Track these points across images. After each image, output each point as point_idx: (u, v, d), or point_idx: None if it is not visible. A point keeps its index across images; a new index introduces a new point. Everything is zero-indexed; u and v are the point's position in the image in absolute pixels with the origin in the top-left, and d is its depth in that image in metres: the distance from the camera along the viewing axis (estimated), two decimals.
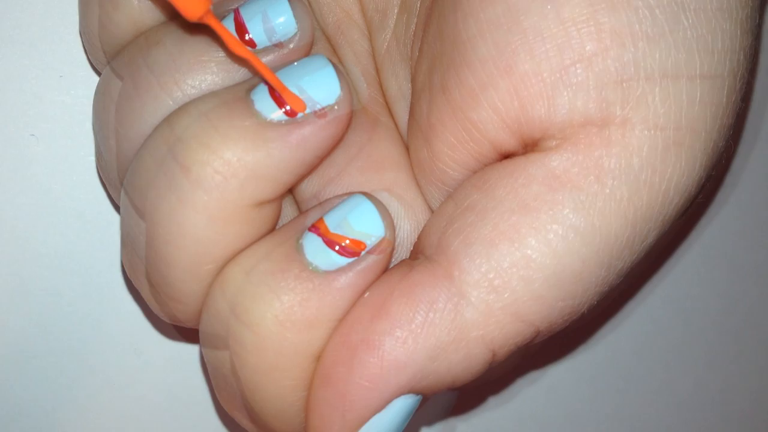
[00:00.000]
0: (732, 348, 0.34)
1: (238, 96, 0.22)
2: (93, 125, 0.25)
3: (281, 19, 0.23)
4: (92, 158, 0.28)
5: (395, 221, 0.24)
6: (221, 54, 0.23)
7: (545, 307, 0.21)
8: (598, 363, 0.33)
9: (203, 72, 0.23)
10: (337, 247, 0.22)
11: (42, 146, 0.28)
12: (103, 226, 0.29)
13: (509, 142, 0.22)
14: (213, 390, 0.30)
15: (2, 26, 0.28)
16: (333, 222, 0.22)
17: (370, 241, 0.22)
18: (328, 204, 0.23)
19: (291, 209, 0.25)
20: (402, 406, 0.22)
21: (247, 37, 0.23)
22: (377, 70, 0.26)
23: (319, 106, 0.22)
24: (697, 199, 0.23)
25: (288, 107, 0.22)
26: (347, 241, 0.22)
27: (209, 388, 0.30)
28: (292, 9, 0.23)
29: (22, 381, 0.29)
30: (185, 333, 0.30)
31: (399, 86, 0.25)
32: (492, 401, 0.32)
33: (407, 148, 0.25)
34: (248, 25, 0.23)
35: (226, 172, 0.22)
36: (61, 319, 0.29)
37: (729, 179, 0.33)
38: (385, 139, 0.25)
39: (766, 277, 0.34)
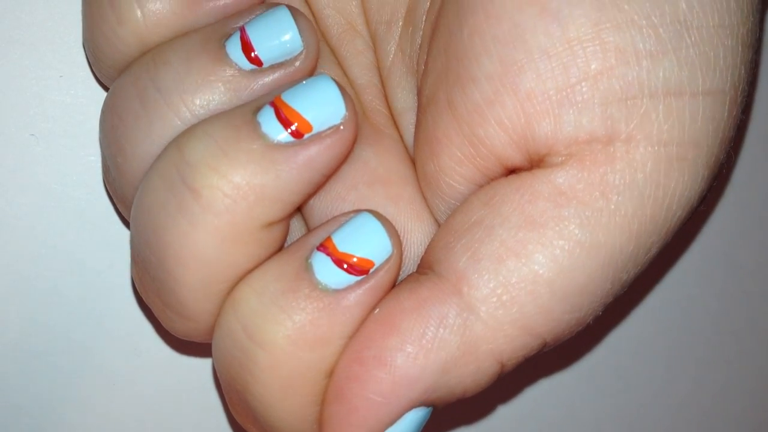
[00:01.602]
0: (732, 348, 0.34)
1: (246, 119, 0.22)
2: (100, 142, 0.25)
3: (287, 37, 0.23)
4: (92, 158, 0.28)
5: (402, 235, 0.24)
6: (229, 73, 0.23)
7: (552, 320, 0.22)
8: (605, 369, 0.33)
9: (211, 92, 0.23)
10: (345, 266, 0.23)
11: (42, 146, 0.28)
12: (103, 226, 0.29)
13: (515, 158, 0.22)
14: (212, 389, 0.30)
15: (2, 26, 0.28)
16: (341, 241, 0.23)
17: (378, 259, 0.23)
18: (335, 222, 0.23)
19: (298, 224, 0.26)
20: (413, 418, 0.23)
21: (252, 55, 0.23)
22: (382, 83, 0.26)
23: (324, 127, 0.23)
24: (699, 209, 0.23)
25: (294, 127, 0.22)
26: (355, 259, 0.23)
27: (209, 388, 0.30)
28: (298, 26, 0.23)
29: (22, 381, 0.29)
30: (187, 344, 0.30)
31: (405, 99, 0.25)
32: (501, 410, 0.32)
33: (413, 161, 0.25)
34: (254, 43, 0.23)
35: (235, 195, 0.22)
36: (61, 319, 0.29)
37: (737, 182, 0.33)
38: (391, 152, 0.25)
39: (766, 277, 0.34)
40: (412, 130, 0.25)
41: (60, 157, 0.28)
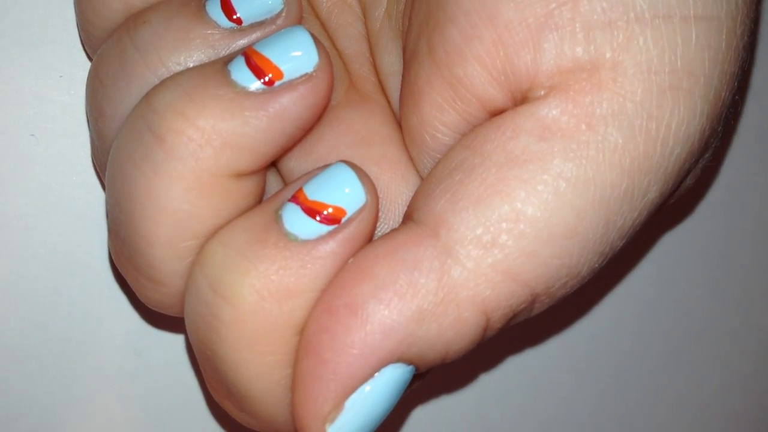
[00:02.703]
0: (730, 346, 0.34)
1: (216, 68, 0.22)
2: (86, 112, 0.24)
3: None
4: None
5: (385, 195, 0.23)
6: (207, 31, 0.23)
7: (540, 266, 0.21)
8: (592, 342, 0.33)
9: (188, 49, 0.23)
10: (317, 216, 0.22)
11: (42, 146, 0.28)
12: (103, 226, 0.29)
13: (497, 98, 0.21)
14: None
15: (2, 26, 0.28)
16: (312, 190, 0.22)
17: (350, 208, 0.22)
18: (309, 174, 0.22)
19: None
20: (391, 375, 0.21)
21: (234, 16, 0.23)
22: (371, 51, 0.25)
23: (296, 75, 0.22)
24: (706, 161, 0.22)
25: (267, 77, 0.22)
26: (328, 209, 0.22)
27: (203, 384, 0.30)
28: None
29: (21, 381, 0.29)
30: (181, 328, 0.30)
31: (391, 63, 0.25)
32: (483, 378, 0.32)
33: (398, 124, 0.24)
34: (234, 4, 0.23)
35: (200, 139, 0.21)
36: (61, 318, 0.29)
37: (729, 178, 0.33)
38: (375, 114, 0.24)
39: (766, 275, 0.34)
40: (399, 94, 0.24)
41: (60, 157, 0.28)
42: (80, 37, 0.26)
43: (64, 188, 0.28)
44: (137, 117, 0.22)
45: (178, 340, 0.30)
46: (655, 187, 0.21)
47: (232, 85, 0.22)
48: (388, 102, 0.25)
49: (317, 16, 0.26)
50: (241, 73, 0.22)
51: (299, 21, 0.24)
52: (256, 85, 0.22)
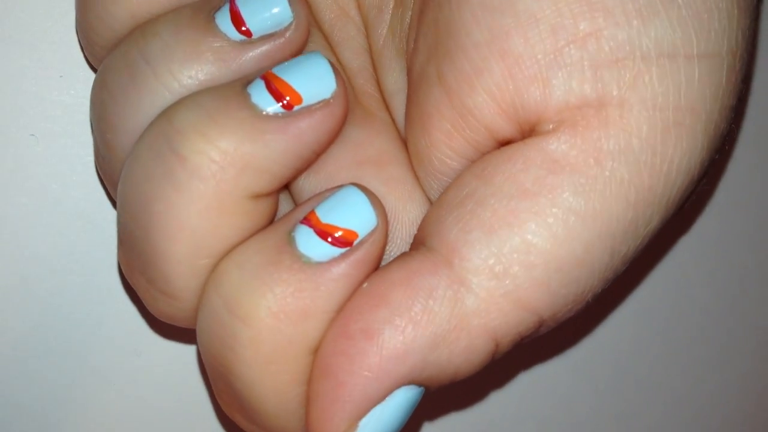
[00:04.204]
0: (729, 345, 0.34)
1: (236, 90, 0.22)
2: (91, 121, 0.24)
3: (277, 9, 0.23)
4: (92, 158, 0.28)
5: (393, 214, 0.24)
6: (217, 43, 0.23)
7: (548, 294, 0.21)
8: (601, 358, 0.33)
9: (199, 62, 0.23)
10: (329, 239, 0.22)
11: (42, 146, 0.28)
12: (103, 226, 0.29)
13: (506, 129, 0.22)
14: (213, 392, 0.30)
15: (2, 26, 0.28)
16: (324, 213, 0.22)
17: (362, 231, 0.22)
18: (320, 196, 0.23)
19: (288, 207, 0.25)
20: (403, 397, 0.22)
21: (243, 28, 0.23)
22: (374, 66, 0.26)
23: (315, 100, 0.22)
24: (701, 185, 0.23)
25: (285, 101, 0.22)
26: (340, 232, 0.22)
27: (209, 389, 0.30)
28: None
29: (22, 381, 0.29)
30: (183, 334, 0.30)
31: (395, 80, 0.25)
32: (494, 396, 0.32)
33: (404, 143, 0.25)
34: (244, 16, 0.23)
35: (222, 161, 0.22)
36: (61, 319, 0.29)
37: (729, 178, 0.33)
38: (382, 133, 0.25)
39: (766, 275, 0.34)
40: (403, 111, 0.25)
41: (60, 157, 0.28)
42: (81, 44, 0.26)
43: (64, 188, 0.28)
44: (157, 135, 0.22)
45: (177, 340, 0.30)
46: (658, 217, 0.22)
47: (253, 108, 0.22)
48: (392, 119, 0.25)
49: (320, 28, 0.26)
50: (261, 97, 0.22)
51: (307, 34, 0.24)
52: (274, 108, 0.22)
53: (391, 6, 0.25)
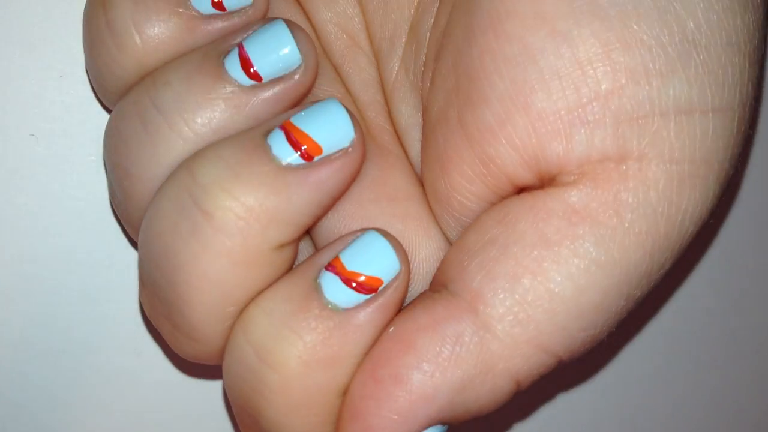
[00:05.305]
0: (730, 346, 0.34)
1: (256, 142, 0.23)
2: (105, 164, 0.25)
3: (285, 51, 0.23)
4: (92, 158, 0.28)
5: (410, 251, 0.24)
6: (229, 90, 0.23)
7: (567, 338, 0.22)
8: (622, 384, 0.33)
9: (211, 109, 0.23)
10: (354, 285, 0.23)
11: (42, 146, 0.28)
12: (103, 226, 0.29)
13: (526, 177, 0.22)
14: (213, 389, 0.30)
15: (2, 26, 0.28)
16: (348, 260, 0.23)
17: (386, 277, 0.23)
18: (343, 241, 0.23)
19: (305, 243, 0.26)
20: None
21: (252, 71, 0.23)
22: (385, 99, 0.26)
23: (334, 149, 0.23)
24: (709, 222, 0.23)
25: (304, 149, 0.22)
26: (363, 278, 0.23)
27: (210, 388, 0.30)
28: (296, 39, 0.23)
29: (22, 381, 0.29)
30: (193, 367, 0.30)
31: (409, 115, 0.25)
32: (518, 428, 0.32)
33: (418, 177, 0.25)
34: (252, 59, 0.23)
35: (248, 217, 0.22)
36: (61, 319, 0.29)
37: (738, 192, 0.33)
38: (396, 169, 0.25)
39: (766, 275, 0.34)
40: (417, 146, 0.25)
41: (60, 157, 0.28)
42: (90, 84, 0.26)
43: (64, 188, 0.28)
44: (181, 190, 0.22)
45: (184, 361, 0.30)
46: (670, 261, 0.22)
47: (275, 160, 0.22)
48: (405, 153, 0.25)
49: (330, 60, 0.26)
50: (281, 149, 0.22)
51: (316, 75, 0.24)
52: (294, 158, 0.22)
53: (404, 40, 0.25)
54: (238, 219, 0.22)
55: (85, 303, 0.29)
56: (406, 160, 0.25)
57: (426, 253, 0.24)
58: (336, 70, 0.26)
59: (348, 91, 0.26)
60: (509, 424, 0.32)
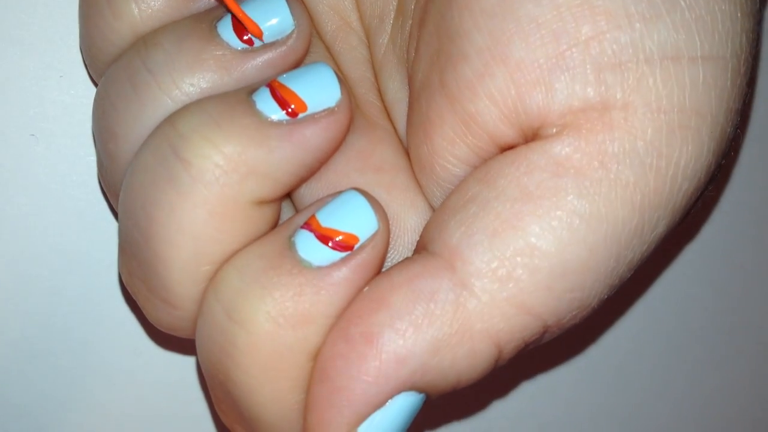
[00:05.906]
0: (730, 347, 0.34)
1: (240, 98, 0.22)
2: (93, 132, 0.25)
3: (278, 18, 0.23)
4: (92, 158, 0.28)
5: (395, 222, 0.24)
6: (219, 52, 0.23)
7: (552, 299, 0.21)
8: (603, 366, 0.33)
9: (202, 71, 0.23)
10: (330, 243, 0.22)
11: (42, 146, 0.28)
12: (103, 226, 0.29)
13: (508, 134, 0.22)
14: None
15: (2, 26, 0.28)
16: (325, 217, 0.22)
17: (363, 235, 0.22)
18: (321, 201, 0.23)
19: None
20: (404, 403, 0.21)
21: (245, 37, 0.23)
22: (375, 76, 0.26)
23: (319, 108, 0.23)
24: (707, 192, 0.23)
25: (290, 108, 0.22)
26: (340, 236, 0.22)
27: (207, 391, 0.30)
28: (289, 6, 0.23)
29: (22, 380, 0.29)
30: (181, 344, 0.30)
31: (397, 89, 0.25)
32: (496, 405, 0.32)
33: (406, 151, 0.25)
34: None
35: (226, 166, 0.22)
36: (61, 319, 0.29)
37: (728, 179, 0.33)
38: (384, 141, 0.25)
39: (766, 275, 0.34)
40: (405, 119, 0.25)
41: (60, 157, 0.28)
42: (84, 60, 0.26)
43: (64, 188, 0.28)
44: (161, 140, 0.22)
45: (174, 348, 0.30)
46: (664, 222, 0.21)
47: (258, 114, 0.22)
48: (394, 128, 0.25)
49: (322, 39, 0.26)
50: (266, 104, 0.22)
51: (309, 42, 0.24)
52: (279, 115, 0.22)
53: (392, 16, 0.25)
54: (216, 167, 0.21)
55: (85, 303, 0.29)
56: (395, 134, 0.25)
57: (411, 223, 0.24)
58: (328, 49, 0.26)
59: (339, 69, 0.26)
60: (487, 402, 0.32)
